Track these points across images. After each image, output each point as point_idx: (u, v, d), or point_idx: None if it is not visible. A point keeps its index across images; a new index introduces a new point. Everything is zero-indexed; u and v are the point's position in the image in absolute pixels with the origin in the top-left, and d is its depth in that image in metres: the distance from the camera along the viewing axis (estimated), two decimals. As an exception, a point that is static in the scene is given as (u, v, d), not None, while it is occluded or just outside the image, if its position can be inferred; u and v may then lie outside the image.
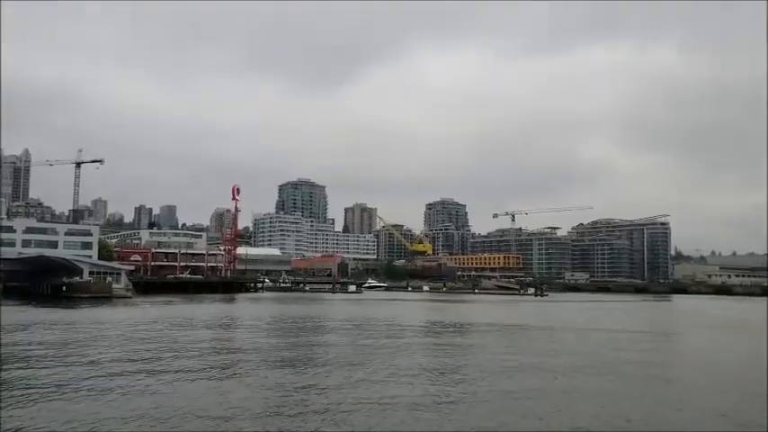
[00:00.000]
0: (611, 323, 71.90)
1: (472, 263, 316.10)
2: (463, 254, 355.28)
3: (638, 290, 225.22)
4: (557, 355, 39.84)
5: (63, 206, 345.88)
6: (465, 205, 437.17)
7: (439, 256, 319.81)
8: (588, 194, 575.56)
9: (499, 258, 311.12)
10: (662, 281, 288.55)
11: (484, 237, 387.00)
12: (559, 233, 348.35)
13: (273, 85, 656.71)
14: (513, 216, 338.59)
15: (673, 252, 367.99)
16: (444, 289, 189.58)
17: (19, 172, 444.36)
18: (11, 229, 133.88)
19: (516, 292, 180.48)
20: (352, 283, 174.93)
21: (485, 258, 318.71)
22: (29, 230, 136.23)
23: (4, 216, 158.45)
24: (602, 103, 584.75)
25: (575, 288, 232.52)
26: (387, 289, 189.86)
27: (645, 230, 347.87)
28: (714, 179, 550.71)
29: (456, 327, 62.93)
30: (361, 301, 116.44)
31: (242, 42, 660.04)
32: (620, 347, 44.76)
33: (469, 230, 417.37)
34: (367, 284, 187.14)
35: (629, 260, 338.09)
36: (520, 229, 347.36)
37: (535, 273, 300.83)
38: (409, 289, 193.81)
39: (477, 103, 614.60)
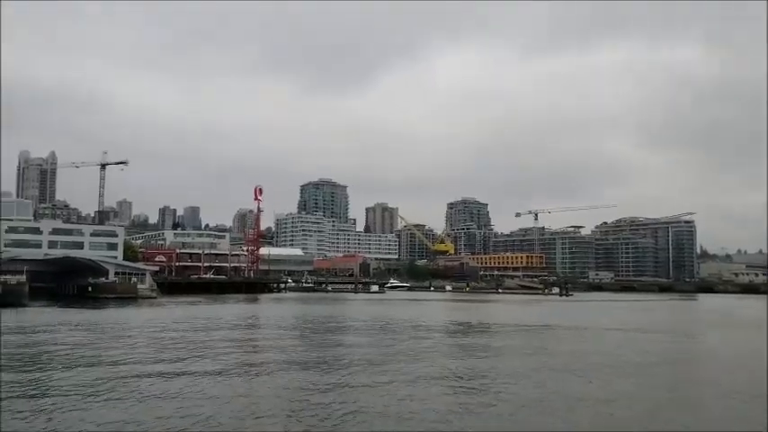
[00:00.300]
0: (636, 323, 70.48)
1: (495, 262, 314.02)
2: (485, 253, 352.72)
3: (664, 289, 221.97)
4: (585, 355, 38.92)
5: (89, 208, 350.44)
6: (487, 204, 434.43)
7: (461, 256, 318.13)
8: (601, 194, 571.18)
9: (522, 258, 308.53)
10: (688, 280, 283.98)
11: (506, 236, 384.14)
12: (583, 232, 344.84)
13: (277, 85, 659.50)
14: (536, 215, 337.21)
15: (698, 250, 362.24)
16: (467, 289, 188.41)
17: (45, 174, 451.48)
18: (37, 231, 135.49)
19: (540, 291, 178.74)
20: (374, 283, 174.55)
21: (507, 258, 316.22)
22: (55, 232, 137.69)
23: (30, 218, 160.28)
24: (606, 103, 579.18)
25: (599, 287, 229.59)
26: (409, 289, 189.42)
27: (670, 229, 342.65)
28: (722, 178, 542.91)
29: (482, 327, 62.07)
30: (383, 302, 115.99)
31: (250, 43, 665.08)
32: (646, 348, 43.65)
33: (492, 230, 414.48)
34: (389, 284, 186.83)
35: (654, 259, 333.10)
36: (543, 228, 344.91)
37: (559, 272, 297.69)
38: (432, 289, 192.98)
39: (481, 102, 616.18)
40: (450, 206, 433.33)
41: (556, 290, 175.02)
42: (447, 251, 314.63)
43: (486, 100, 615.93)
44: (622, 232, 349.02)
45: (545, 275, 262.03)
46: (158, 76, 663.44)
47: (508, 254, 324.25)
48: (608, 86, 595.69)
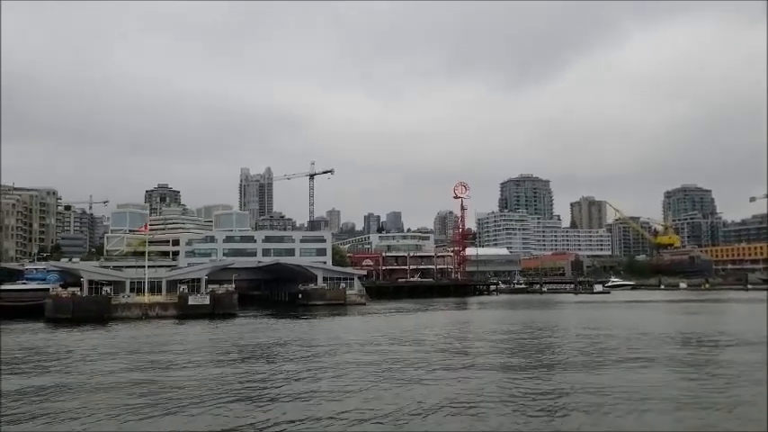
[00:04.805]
0: None
1: (726, 255, 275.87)
2: (714, 245, 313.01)
3: None
4: None
5: (302, 218, 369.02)
6: (710, 191, 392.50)
7: (689, 249, 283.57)
8: None
9: (762, 248, 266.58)
10: None
11: (738, 224, 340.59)
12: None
13: (468, 86, 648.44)
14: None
15: None
16: (706, 286, 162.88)
17: (263, 188, 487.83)
18: (251, 239, 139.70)
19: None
20: (597, 283, 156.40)
21: (742, 249, 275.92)
22: (267, 239, 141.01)
23: (248, 228, 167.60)
24: None
25: None
26: (633, 288, 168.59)
27: None
28: None
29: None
30: (609, 305, 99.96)
31: (435, 47, 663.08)
32: None
33: (719, 218, 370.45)
34: (610, 283, 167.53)
35: None
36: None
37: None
38: (662, 287, 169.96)
39: (692, 80, 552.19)
40: (668, 195, 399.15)
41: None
42: (672, 244, 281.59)
43: (698, 77, 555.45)
44: None
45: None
46: (351, 89, 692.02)
47: (743, 244, 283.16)
48: None
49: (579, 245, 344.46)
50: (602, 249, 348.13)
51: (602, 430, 20.20)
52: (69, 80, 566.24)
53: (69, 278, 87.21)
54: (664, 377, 29.58)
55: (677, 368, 32.39)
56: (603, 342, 44.67)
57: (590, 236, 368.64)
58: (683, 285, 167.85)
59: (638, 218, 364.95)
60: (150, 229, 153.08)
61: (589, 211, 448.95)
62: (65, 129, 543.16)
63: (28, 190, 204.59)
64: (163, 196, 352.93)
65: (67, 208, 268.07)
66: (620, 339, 46.08)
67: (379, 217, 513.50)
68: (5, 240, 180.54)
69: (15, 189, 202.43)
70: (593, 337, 47.88)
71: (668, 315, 76.30)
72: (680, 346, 42.24)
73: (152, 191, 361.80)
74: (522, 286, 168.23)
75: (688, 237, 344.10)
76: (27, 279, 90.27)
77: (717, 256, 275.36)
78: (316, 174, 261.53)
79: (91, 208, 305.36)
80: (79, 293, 70.03)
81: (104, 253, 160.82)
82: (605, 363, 34.60)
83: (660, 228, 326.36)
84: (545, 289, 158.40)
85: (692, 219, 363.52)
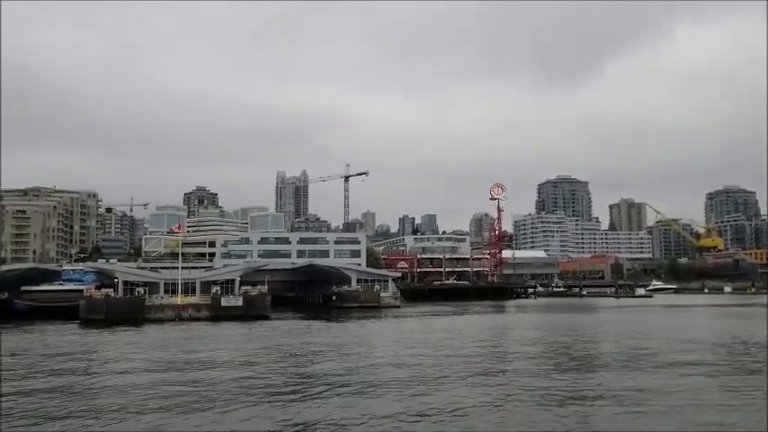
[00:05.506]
0: None
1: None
2: (758, 248, 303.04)
3: None
4: None
5: (337, 220, 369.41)
6: (754, 192, 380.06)
7: (732, 252, 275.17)
8: None
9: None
10: None
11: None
12: None
13: (503, 86, 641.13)
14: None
15: None
16: (752, 289, 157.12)
17: (299, 191, 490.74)
18: (286, 241, 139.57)
19: None
20: (639, 286, 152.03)
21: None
22: (302, 241, 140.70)
23: (283, 230, 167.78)
24: None
25: None
26: (676, 291, 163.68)
27: None
28: None
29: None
30: (653, 309, 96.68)
31: (469, 47, 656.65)
32: None
33: (764, 220, 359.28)
34: (652, 286, 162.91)
35: None
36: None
37: None
38: (705, 291, 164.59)
39: (727, 77, 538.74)
40: (710, 196, 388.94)
41: None
42: (715, 247, 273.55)
43: (733, 73, 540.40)
44: None
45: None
46: (388, 90, 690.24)
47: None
48: None
49: (619, 247, 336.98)
50: (642, 252, 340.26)
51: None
52: (115, 85, 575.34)
53: (106, 279, 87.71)
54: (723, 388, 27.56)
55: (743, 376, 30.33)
56: (655, 348, 42.46)
57: (630, 238, 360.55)
58: (727, 289, 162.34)
59: (679, 220, 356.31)
60: (187, 231, 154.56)
61: (628, 213, 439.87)
62: (109, 133, 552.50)
63: (69, 192, 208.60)
64: (201, 198, 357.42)
65: (109, 210, 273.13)
66: (674, 345, 43.86)
67: (413, 219, 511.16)
68: (46, 242, 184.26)
69: (56, 191, 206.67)
70: (643, 344, 45.70)
71: (718, 320, 73.04)
72: (741, 354, 39.87)
73: (190, 193, 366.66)
74: (561, 289, 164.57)
75: (731, 239, 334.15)
76: (64, 280, 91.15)
77: (762, 259, 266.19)
78: (350, 176, 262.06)
79: (131, 210, 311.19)
80: (113, 295, 70.27)
81: (142, 254, 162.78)
82: (656, 368, 32.67)
83: (702, 230, 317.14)
84: (585, 292, 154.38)
85: (735, 221, 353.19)
